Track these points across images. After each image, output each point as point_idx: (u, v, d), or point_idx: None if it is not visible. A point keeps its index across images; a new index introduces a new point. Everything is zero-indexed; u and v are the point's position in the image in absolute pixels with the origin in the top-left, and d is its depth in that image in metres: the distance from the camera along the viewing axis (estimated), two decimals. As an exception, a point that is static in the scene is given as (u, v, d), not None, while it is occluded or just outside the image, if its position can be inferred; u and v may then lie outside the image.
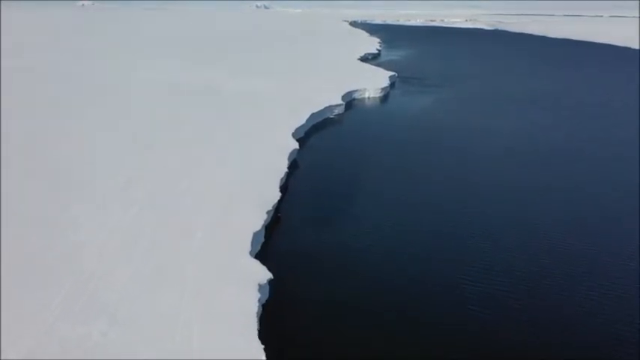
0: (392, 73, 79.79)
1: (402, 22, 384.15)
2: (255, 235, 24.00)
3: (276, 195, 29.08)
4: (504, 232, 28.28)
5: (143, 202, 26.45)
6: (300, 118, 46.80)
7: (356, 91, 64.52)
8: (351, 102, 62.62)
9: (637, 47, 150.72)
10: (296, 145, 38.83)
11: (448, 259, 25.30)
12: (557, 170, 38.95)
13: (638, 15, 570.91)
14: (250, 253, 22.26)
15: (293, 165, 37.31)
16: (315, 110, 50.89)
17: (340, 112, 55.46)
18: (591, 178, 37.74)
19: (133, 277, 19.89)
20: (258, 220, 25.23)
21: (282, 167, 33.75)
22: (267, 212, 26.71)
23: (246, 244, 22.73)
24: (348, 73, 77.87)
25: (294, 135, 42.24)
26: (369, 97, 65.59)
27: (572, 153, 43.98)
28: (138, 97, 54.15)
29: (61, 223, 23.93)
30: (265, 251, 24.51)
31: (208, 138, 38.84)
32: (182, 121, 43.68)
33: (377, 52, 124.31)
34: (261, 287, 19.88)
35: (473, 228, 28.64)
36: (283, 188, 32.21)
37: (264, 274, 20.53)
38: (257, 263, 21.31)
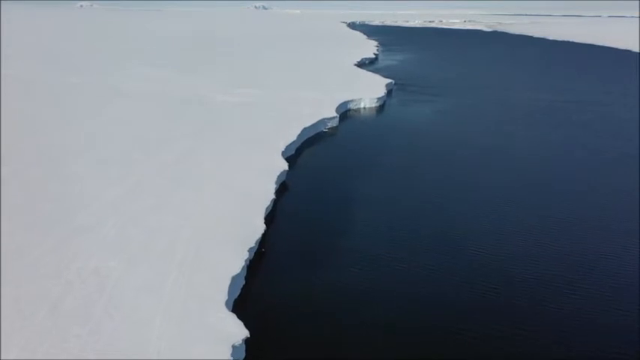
0: (389, 81, 77.58)
1: (401, 23, 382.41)
2: (234, 279, 21.74)
3: (260, 227, 26.81)
4: (514, 269, 26.04)
5: (108, 244, 24.11)
6: (291, 134, 44.52)
7: (351, 101, 62.27)
8: (346, 112, 60.37)
9: (637, 50, 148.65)
10: (285, 166, 36.53)
11: (456, 306, 22.77)
12: (563, 190, 36.75)
13: (636, 15, 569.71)
14: (226, 303, 19.97)
15: (281, 189, 35.03)
16: (308, 124, 48.62)
17: (334, 125, 53.21)
18: (595, 186, 35.61)
19: (91, 333, 17.64)
20: (237, 261, 22.95)
21: (269, 193, 31.48)
22: (249, 249, 24.44)
23: (221, 292, 20.43)
24: (343, 81, 75.66)
25: (283, 153, 39.96)
26: (364, 108, 63.36)
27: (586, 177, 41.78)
28: (118, 112, 51.51)
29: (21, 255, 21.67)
30: (244, 299, 22.14)
31: (190, 159, 36.47)
32: (164, 140, 41.27)
33: (374, 56, 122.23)
34: (235, 349, 17.63)
35: (479, 264, 26.38)
36: (270, 217, 29.97)
37: (239, 332, 18.25)
38: (232, 318, 19.02)
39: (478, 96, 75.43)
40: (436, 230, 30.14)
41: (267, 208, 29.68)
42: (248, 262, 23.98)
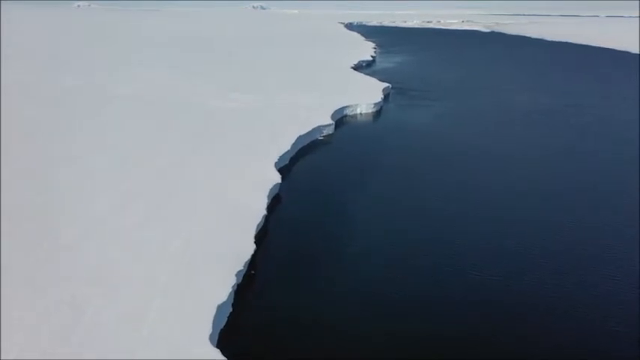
0: (386, 85, 76.42)
1: (399, 23, 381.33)
2: (220, 308, 20.51)
3: (250, 247, 25.57)
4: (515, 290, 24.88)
5: (88, 267, 22.84)
6: (285, 143, 43.29)
7: (347, 107, 61.07)
8: (342, 119, 59.20)
9: (636, 52, 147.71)
10: (278, 179, 35.30)
11: (464, 344, 21.49)
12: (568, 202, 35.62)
13: (634, 15, 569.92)
14: (211, 337, 18.74)
15: (274, 203, 33.79)
16: (302, 132, 47.38)
17: (330, 132, 51.99)
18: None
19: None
20: (224, 287, 21.71)
21: (261, 208, 30.26)
22: (238, 273, 23.21)
23: (206, 324, 19.18)
24: (339, 85, 74.45)
25: (277, 164, 38.71)
26: (361, 114, 62.15)
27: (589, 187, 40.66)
28: (109, 119, 50.09)
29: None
30: (230, 330, 20.79)
31: (180, 171, 35.22)
32: (155, 149, 40.02)
33: (371, 58, 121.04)
34: (218, 390, 16.44)
35: (484, 294, 25.20)
36: (261, 234, 28.75)
37: (223, 371, 17.08)
38: (216, 353, 17.81)
39: (477, 100, 74.31)
40: (438, 252, 28.94)
41: (258, 225, 28.44)
42: (236, 288, 22.75)
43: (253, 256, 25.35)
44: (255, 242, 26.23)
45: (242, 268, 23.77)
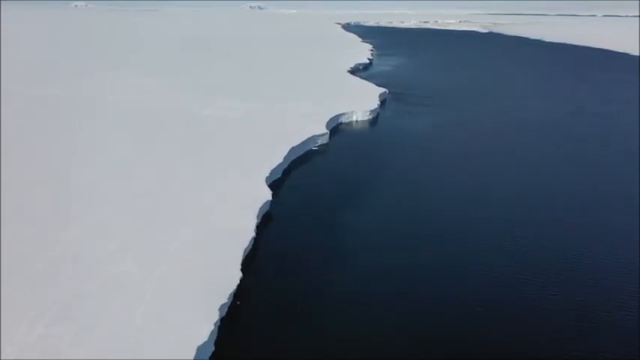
0: (382, 90, 74.83)
1: (396, 24, 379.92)
2: (200, 350, 18.89)
3: (236, 275, 23.96)
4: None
5: (58, 304, 21.13)
6: (278, 155, 41.61)
7: (343, 114, 59.45)
8: (337, 127, 57.57)
9: (636, 54, 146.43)
10: (269, 196, 33.63)
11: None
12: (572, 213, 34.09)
13: (631, 14, 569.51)
14: (188, 386, 17.15)
15: (265, 221, 32.15)
16: (296, 142, 45.69)
17: (324, 142, 50.31)
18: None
19: None
20: (205, 324, 20.07)
21: (249, 230, 28.58)
22: (221, 307, 21.58)
23: (183, 370, 17.61)
24: (335, 91, 72.76)
25: (268, 178, 37.09)
26: (356, 121, 60.53)
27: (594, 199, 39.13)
28: (91, 131, 48.07)
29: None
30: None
31: (164, 190, 33.39)
32: (139, 165, 38.16)
33: (368, 61, 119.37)
34: None
35: (485, 308, 23.64)
36: (249, 259, 27.10)
37: None
38: (193, 407, 16.23)
39: (475, 107, 72.84)
40: (437, 276, 27.35)
41: (245, 250, 26.78)
42: (219, 324, 21.10)
43: (239, 285, 23.73)
44: (241, 269, 24.62)
45: (226, 300, 22.13)
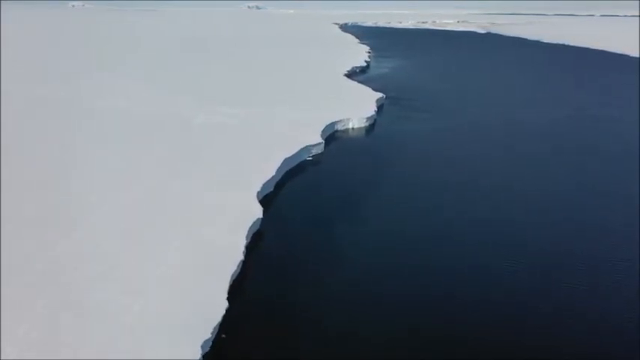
0: (380, 95, 73.53)
1: (394, 24, 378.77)
2: (178, 394, 17.56)
3: (221, 306, 22.59)
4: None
5: (29, 339, 19.72)
6: (269, 167, 40.23)
7: (338, 122, 58.11)
8: (332, 134, 56.26)
9: (636, 55, 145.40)
10: (260, 213, 32.24)
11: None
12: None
13: (629, 14, 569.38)
14: None
15: (255, 240, 30.78)
16: (290, 153, 44.32)
17: (319, 151, 48.94)
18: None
19: None
20: (186, 363, 18.76)
21: (237, 252, 27.22)
22: (204, 343, 20.21)
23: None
24: (331, 96, 71.40)
25: (259, 193, 35.76)
26: (353, 128, 59.21)
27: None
28: (78, 139, 46.48)
29: None
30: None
31: (150, 206, 31.99)
32: (125, 179, 36.65)
33: (365, 64, 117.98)
34: None
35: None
36: (236, 285, 25.69)
37: None
38: None
39: (475, 111, 71.57)
40: (436, 293, 26.03)
41: (232, 275, 25.45)
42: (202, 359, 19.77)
43: (225, 315, 22.36)
44: (227, 298, 23.27)
45: (210, 335, 20.76)
